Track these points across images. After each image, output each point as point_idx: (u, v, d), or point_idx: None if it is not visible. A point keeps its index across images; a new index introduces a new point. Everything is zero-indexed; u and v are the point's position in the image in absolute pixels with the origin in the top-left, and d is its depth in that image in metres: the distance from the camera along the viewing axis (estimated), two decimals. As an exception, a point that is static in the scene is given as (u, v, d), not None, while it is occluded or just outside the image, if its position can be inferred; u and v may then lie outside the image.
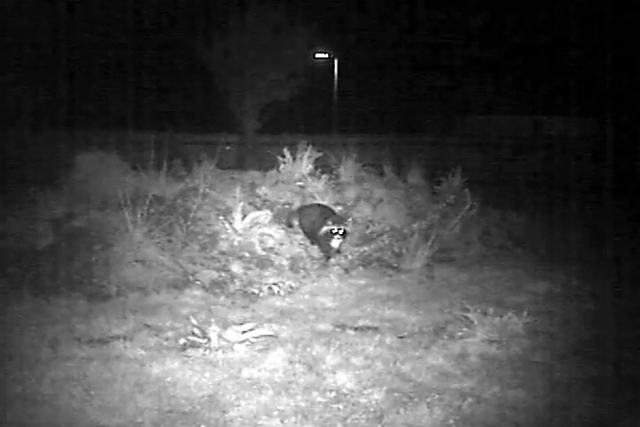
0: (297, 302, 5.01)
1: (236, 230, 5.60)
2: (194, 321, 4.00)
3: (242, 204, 5.77)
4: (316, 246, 6.09)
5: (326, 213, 6.07)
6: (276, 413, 3.14)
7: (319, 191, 6.60)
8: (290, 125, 18.01)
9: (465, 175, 7.42)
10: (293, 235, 6.00)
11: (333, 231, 5.81)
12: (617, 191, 10.56)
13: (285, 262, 5.53)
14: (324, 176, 6.86)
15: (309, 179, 6.78)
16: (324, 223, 5.86)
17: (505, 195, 9.71)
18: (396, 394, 3.35)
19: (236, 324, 4.12)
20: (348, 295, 5.21)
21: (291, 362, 3.73)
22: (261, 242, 5.60)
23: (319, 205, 6.42)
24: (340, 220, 5.94)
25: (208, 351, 3.82)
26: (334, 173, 7.16)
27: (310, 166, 6.93)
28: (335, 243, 5.89)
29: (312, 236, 6.10)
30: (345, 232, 5.87)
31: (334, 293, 5.26)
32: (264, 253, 5.52)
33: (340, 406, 3.22)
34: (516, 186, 12.25)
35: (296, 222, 6.27)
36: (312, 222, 6.06)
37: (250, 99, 17.74)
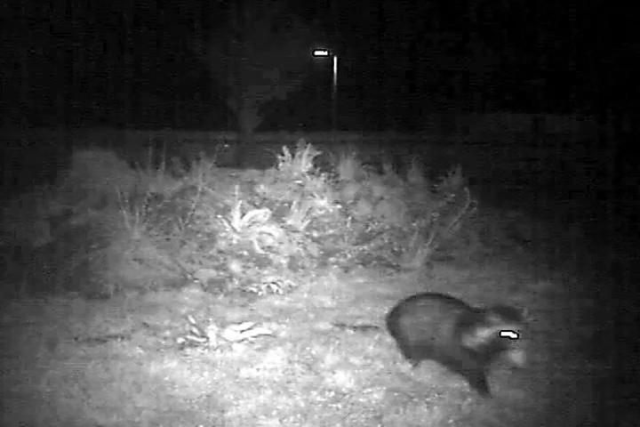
0: (296, 300, 4.99)
1: (234, 229, 5.58)
2: (192, 320, 3.99)
3: (240, 202, 5.74)
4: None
5: (457, 305, 3.50)
6: (274, 412, 3.13)
7: (318, 190, 6.57)
8: (289, 123, 18.03)
9: (465, 174, 7.40)
10: (292, 233, 5.97)
11: (512, 336, 3.18)
12: (618, 190, 10.54)
13: (284, 261, 5.51)
14: (323, 174, 6.83)
15: (308, 177, 6.75)
16: (477, 324, 3.24)
17: (505, 193, 9.69)
18: (395, 394, 3.33)
19: (234, 323, 4.11)
20: (347, 294, 5.18)
21: (290, 361, 3.71)
22: (260, 241, 5.58)
23: (431, 295, 3.84)
24: (513, 313, 3.29)
25: (206, 351, 3.80)
26: (333, 171, 7.13)
27: (309, 164, 6.90)
28: (518, 357, 3.30)
29: (435, 354, 3.50)
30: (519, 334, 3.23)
31: (333, 292, 5.23)
32: (263, 251, 5.50)
33: (340, 406, 3.20)
34: (516, 184, 12.24)
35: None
36: (433, 328, 3.45)
37: (249, 96, 17.70)
